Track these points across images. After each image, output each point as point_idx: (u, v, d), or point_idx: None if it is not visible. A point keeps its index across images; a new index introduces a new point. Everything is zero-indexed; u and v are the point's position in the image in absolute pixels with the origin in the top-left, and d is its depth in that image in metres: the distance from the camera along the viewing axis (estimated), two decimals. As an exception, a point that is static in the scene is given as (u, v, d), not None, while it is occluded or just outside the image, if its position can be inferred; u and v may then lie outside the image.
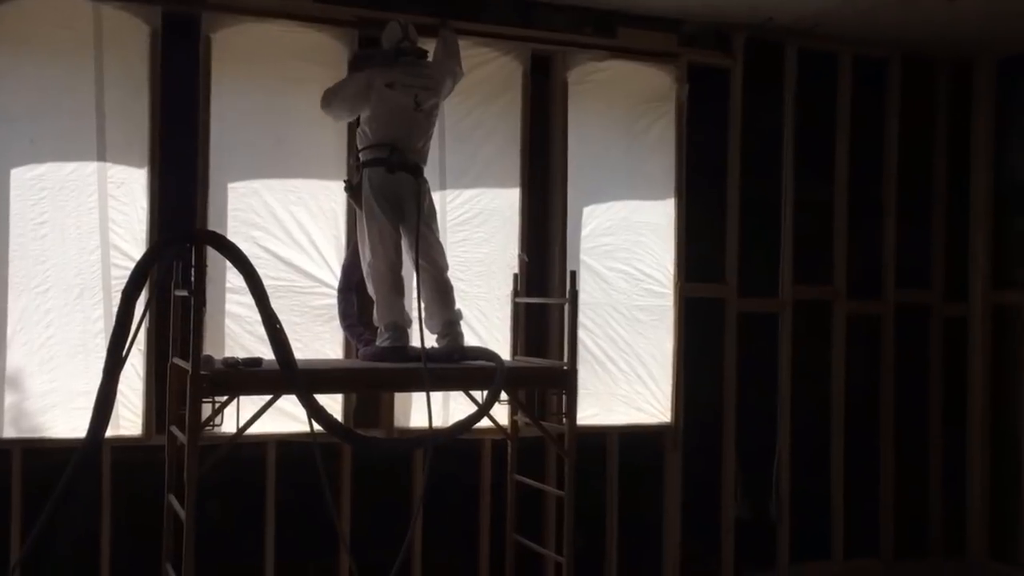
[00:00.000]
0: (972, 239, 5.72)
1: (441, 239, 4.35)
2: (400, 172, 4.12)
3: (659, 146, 5.11)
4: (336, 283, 4.46)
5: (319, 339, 4.49)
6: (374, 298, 4.22)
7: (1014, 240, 5.54)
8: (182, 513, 3.51)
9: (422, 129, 4.24)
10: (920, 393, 5.65)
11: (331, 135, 4.51)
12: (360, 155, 4.22)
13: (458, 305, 4.31)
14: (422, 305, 4.22)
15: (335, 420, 3.62)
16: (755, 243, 5.31)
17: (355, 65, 4.36)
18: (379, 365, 4.09)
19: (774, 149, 5.36)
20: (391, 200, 4.11)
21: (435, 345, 4.20)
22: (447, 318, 4.24)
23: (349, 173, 4.35)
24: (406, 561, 4.44)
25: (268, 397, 3.62)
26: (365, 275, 4.24)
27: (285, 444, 4.34)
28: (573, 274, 4.22)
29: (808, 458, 5.38)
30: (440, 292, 4.21)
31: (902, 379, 5.58)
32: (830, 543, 5.41)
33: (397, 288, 4.19)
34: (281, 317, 3.60)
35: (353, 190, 4.25)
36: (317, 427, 3.58)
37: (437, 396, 4.50)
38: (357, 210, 4.26)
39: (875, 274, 5.57)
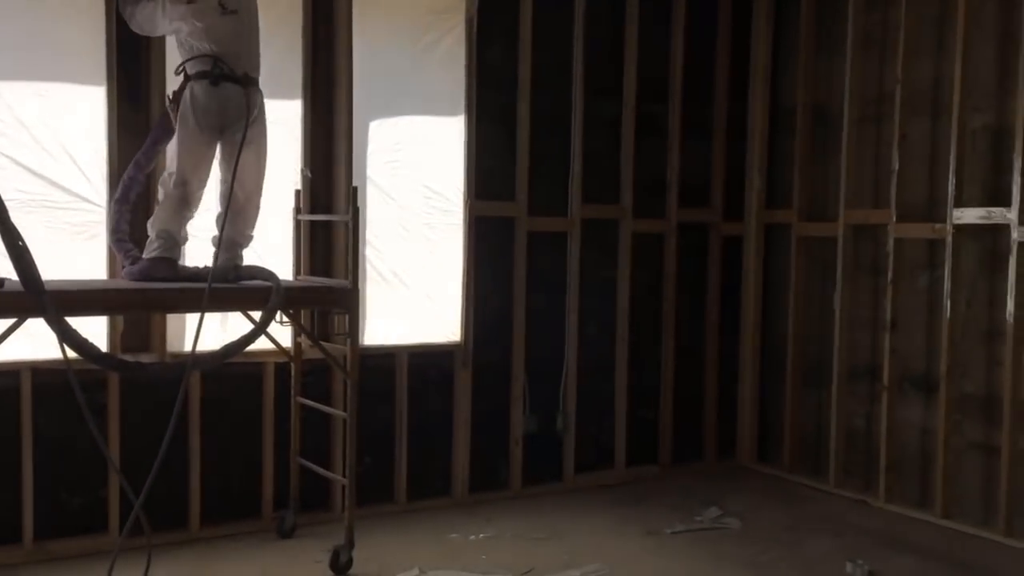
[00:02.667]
0: (749, 160, 5.97)
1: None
2: (226, 84, 3.90)
3: (449, 60, 5.00)
4: (99, 198, 4.15)
5: (80, 258, 4.16)
6: (159, 205, 4.00)
7: (784, 161, 5.82)
8: (-85, 450, 3.19)
9: (241, 35, 3.99)
10: (699, 308, 5.92)
11: (89, 33, 4.11)
12: (185, 67, 3.94)
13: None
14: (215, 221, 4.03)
15: (91, 344, 3.35)
16: (545, 162, 5.32)
17: None
18: (144, 285, 3.82)
19: (565, 66, 5.36)
20: (213, 115, 3.89)
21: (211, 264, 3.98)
22: (232, 238, 4.06)
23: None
24: (162, 480, 4.26)
25: (12, 321, 3.31)
26: (160, 182, 4.02)
27: (43, 372, 4.03)
28: (355, 190, 4.07)
29: (594, 372, 5.55)
30: (236, 213, 4.03)
31: (683, 295, 5.81)
32: (613, 452, 5.63)
33: (185, 202, 3.99)
34: (33, 234, 3.30)
35: (172, 102, 3.96)
36: (72, 353, 3.32)
37: (215, 318, 4.30)
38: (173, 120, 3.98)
39: (660, 193, 5.72)
